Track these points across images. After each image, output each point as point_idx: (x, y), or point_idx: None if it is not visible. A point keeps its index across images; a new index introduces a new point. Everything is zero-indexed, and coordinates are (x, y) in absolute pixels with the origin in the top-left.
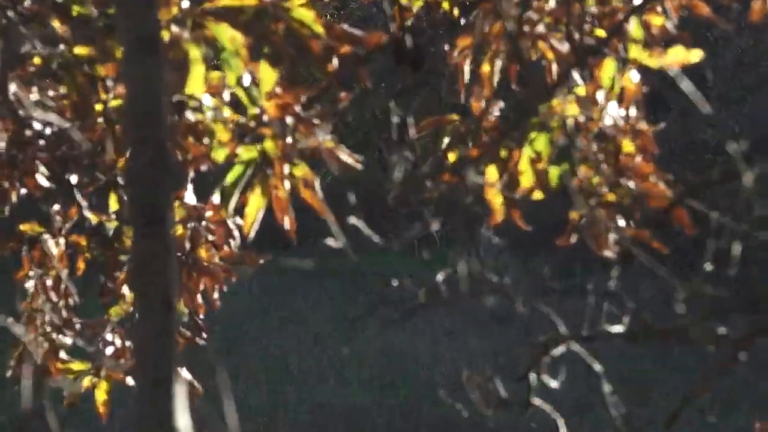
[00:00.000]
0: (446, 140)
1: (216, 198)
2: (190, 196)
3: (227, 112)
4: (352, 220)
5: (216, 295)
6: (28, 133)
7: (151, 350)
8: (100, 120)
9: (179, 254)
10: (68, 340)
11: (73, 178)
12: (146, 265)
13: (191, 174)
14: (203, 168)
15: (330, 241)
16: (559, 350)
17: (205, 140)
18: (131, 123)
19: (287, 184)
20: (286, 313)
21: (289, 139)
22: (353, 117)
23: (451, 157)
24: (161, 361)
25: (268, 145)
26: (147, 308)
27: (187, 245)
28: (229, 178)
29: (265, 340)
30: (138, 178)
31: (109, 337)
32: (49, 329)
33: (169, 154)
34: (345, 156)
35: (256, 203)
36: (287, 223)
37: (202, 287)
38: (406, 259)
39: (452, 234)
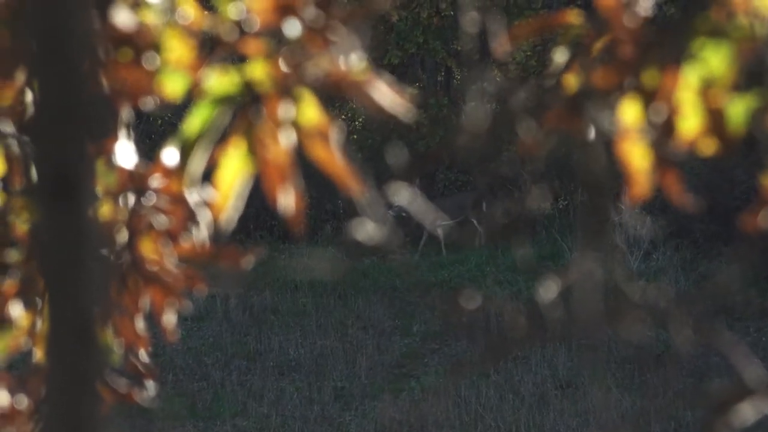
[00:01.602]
0: (559, 56)
1: (170, 156)
2: (125, 153)
3: (188, 13)
4: (397, 194)
5: (171, 320)
6: None
7: (56, 411)
8: None
9: (108, 250)
10: None
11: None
12: (50, 262)
13: (127, 115)
14: (147, 106)
15: (359, 232)
16: (748, 410)
17: (151, 59)
18: (26, 27)
19: (288, 137)
20: (291, 352)
21: (289, 62)
22: (401, 18)
23: (568, 83)
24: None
25: (257, 70)
26: (53, 335)
27: (122, 235)
28: (191, 124)
29: (254, 398)
30: (38, 122)
31: None
32: None
33: (87, 80)
34: (385, 90)
35: (234, 168)
36: (287, 201)
37: (146, 306)
38: (489, 258)
39: (569, 214)
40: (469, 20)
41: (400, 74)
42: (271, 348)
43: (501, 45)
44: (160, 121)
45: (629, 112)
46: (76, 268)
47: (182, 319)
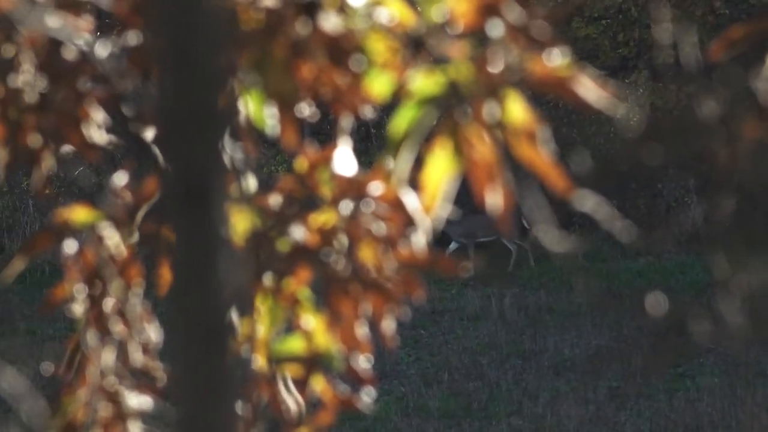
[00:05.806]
0: None
1: (388, 163)
2: (345, 160)
3: (394, 15)
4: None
5: (390, 326)
6: (68, 55)
7: (187, 421)
8: None
9: (326, 258)
10: (145, 403)
11: (149, 130)
12: (182, 269)
13: (347, 122)
14: (367, 114)
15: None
16: None
17: (357, 62)
18: (156, 30)
19: (494, 136)
20: (566, 352)
21: (493, 62)
22: (674, 17)
23: None
24: None
25: (461, 70)
26: (182, 347)
27: (342, 241)
28: (398, 125)
29: (529, 398)
30: (167, 128)
31: None
32: (112, 384)
33: (218, 85)
34: (590, 85)
35: (441, 168)
36: (495, 201)
37: (366, 313)
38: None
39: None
40: (665, 31)
41: (673, 74)
42: (546, 347)
43: (716, 51)
44: (373, 129)
45: None
46: (202, 270)
47: (458, 318)
